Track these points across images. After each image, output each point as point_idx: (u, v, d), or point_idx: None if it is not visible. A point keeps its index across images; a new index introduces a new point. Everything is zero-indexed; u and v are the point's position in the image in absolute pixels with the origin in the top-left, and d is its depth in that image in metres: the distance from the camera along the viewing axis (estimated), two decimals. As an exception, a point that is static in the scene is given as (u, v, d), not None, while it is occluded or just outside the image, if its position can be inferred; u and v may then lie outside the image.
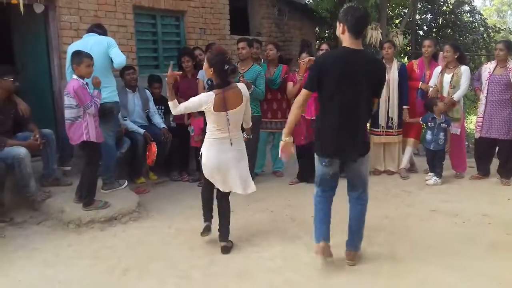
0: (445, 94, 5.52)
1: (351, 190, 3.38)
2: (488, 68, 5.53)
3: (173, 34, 6.93)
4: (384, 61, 5.63)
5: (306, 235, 3.91)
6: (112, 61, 4.58)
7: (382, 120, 5.72)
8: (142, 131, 5.44)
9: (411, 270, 3.27)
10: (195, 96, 5.69)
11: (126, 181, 5.06)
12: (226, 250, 3.62)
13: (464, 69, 5.50)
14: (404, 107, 5.72)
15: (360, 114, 3.17)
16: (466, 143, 6.24)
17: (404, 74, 5.76)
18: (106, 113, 4.60)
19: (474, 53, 12.84)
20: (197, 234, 3.80)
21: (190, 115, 5.57)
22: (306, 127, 5.40)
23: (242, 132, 3.72)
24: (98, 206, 4.35)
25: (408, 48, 12.74)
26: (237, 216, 4.29)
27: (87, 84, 4.24)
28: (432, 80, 5.71)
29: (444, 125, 5.39)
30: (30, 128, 4.69)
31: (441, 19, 13.42)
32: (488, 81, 5.44)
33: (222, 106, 3.37)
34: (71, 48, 4.52)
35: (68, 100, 4.19)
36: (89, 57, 4.21)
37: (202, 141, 3.63)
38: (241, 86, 3.55)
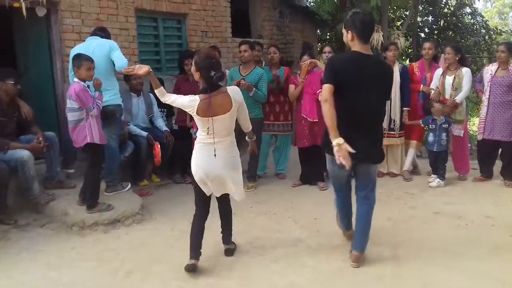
0: (447, 96, 5.53)
1: (359, 189, 3.43)
2: (490, 70, 5.54)
3: (175, 37, 6.95)
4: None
5: (309, 237, 3.91)
6: (114, 64, 4.59)
7: (384, 123, 5.70)
8: (145, 133, 5.45)
9: (414, 272, 3.26)
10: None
11: (129, 184, 5.08)
12: (229, 252, 3.61)
13: (466, 71, 5.50)
14: (405, 109, 5.72)
15: (375, 118, 3.30)
16: (469, 145, 6.23)
17: (406, 76, 5.76)
18: (109, 115, 4.60)
19: (475, 55, 12.85)
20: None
21: (192, 117, 5.56)
22: (309, 130, 5.40)
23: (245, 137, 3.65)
24: (101, 209, 4.36)
25: (409, 50, 12.75)
26: (240, 219, 4.29)
27: (88, 86, 4.25)
28: (433, 82, 5.71)
29: (445, 125, 5.38)
30: (33, 131, 4.70)
31: (442, 21, 13.43)
32: (490, 83, 5.44)
33: (208, 111, 3.17)
34: (73, 51, 4.54)
35: (70, 103, 4.20)
36: (89, 60, 4.21)
37: None
38: (232, 90, 3.32)
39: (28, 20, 4.79)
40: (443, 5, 13.35)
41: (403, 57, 12.46)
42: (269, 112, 5.80)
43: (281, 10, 8.82)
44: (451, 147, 5.45)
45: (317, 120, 5.25)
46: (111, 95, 4.63)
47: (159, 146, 5.31)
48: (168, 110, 6.08)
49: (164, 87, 5.81)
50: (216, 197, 3.53)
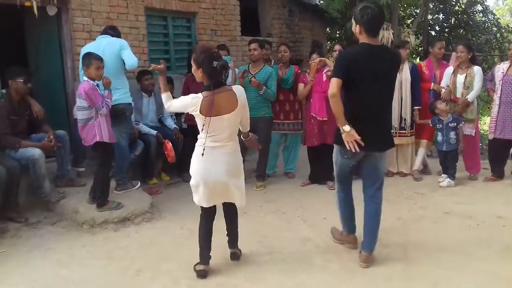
0: (458, 95, 5.48)
1: (368, 186, 3.42)
2: (501, 68, 5.48)
3: (184, 36, 6.97)
4: None
5: (318, 237, 3.90)
6: (124, 63, 4.61)
7: (395, 121, 5.67)
8: (154, 132, 5.47)
9: (424, 273, 3.24)
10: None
11: (139, 182, 5.10)
12: (235, 257, 3.52)
13: (477, 70, 5.46)
14: (415, 107, 5.69)
15: (385, 108, 3.36)
16: (480, 144, 6.18)
17: (416, 75, 5.72)
18: (119, 114, 4.62)
19: (487, 53, 12.72)
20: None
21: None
22: (318, 129, 5.38)
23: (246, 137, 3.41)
24: (111, 207, 4.38)
25: (420, 48, 12.65)
26: (249, 218, 4.30)
27: (98, 85, 4.27)
28: (444, 80, 5.66)
29: (452, 124, 5.33)
30: (44, 129, 4.74)
31: (453, 19, 13.31)
32: (501, 81, 5.39)
33: (210, 110, 2.96)
34: (84, 50, 4.56)
35: (80, 102, 4.22)
36: (99, 59, 4.22)
37: None
38: (238, 89, 3.15)
39: (39, 19, 4.83)
40: (454, 3, 13.22)
41: (413, 55, 12.38)
42: (279, 111, 5.79)
43: (291, 8, 8.80)
44: (461, 146, 5.39)
45: (326, 119, 5.23)
46: (121, 94, 4.65)
47: (169, 143, 5.32)
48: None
49: (173, 86, 5.91)
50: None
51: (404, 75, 5.65)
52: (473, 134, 5.57)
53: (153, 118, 5.73)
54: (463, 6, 13.23)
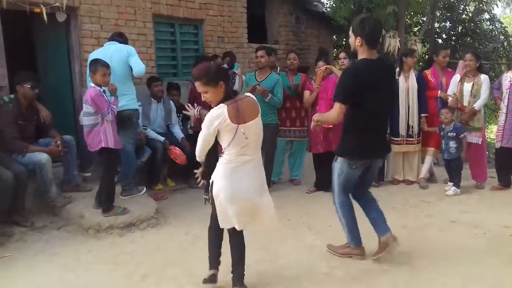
0: (465, 103, 5.47)
1: (366, 190, 3.66)
2: (508, 77, 5.46)
3: (192, 42, 7.01)
4: (404, 69, 5.65)
5: (323, 244, 3.89)
6: (131, 69, 4.65)
7: (402, 129, 5.66)
8: (162, 138, 5.49)
9: (430, 282, 3.23)
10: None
11: (145, 188, 5.11)
12: None
13: (484, 78, 5.45)
14: (422, 115, 5.68)
15: (385, 116, 3.60)
16: (487, 153, 6.15)
17: (422, 82, 5.72)
18: (125, 120, 4.66)
19: (494, 61, 12.68)
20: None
21: (201, 120, 5.56)
22: (324, 136, 5.38)
23: None
24: (117, 212, 4.40)
25: (426, 56, 12.64)
26: (254, 224, 4.29)
27: (104, 91, 4.30)
28: (450, 88, 5.65)
29: (452, 134, 5.31)
30: (51, 134, 4.77)
31: (460, 27, 13.31)
32: (508, 90, 5.37)
33: (238, 117, 2.76)
34: (91, 56, 4.60)
35: (86, 108, 4.26)
36: (105, 66, 4.25)
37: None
38: (252, 95, 3.02)
39: (48, 25, 4.87)
40: (461, 11, 13.23)
41: (420, 63, 12.37)
42: (285, 118, 5.80)
43: (297, 16, 8.83)
44: (463, 156, 5.35)
45: (332, 126, 5.23)
46: (128, 100, 4.68)
47: (176, 148, 5.33)
48: (184, 115, 6.11)
49: (179, 92, 5.93)
50: (228, 228, 3.03)
51: (410, 84, 5.65)
52: (480, 143, 5.54)
53: (161, 123, 5.74)
54: (470, 14, 13.23)
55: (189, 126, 6.15)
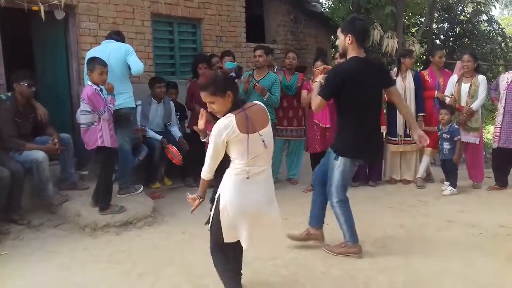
0: (463, 103, 5.49)
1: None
2: (506, 78, 5.48)
3: (190, 42, 7.00)
4: (402, 69, 5.66)
5: (320, 243, 3.88)
6: (129, 68, 4.64)
7: (400, 129, 5.67)
8: (159, 137, 5.49)
9: (427, 281, 3.23)
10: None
11: (142, 186, 5.11)
12: None
13: (482, 79, 5.48)
14: (420, 114, 5.69)
15: (377, 115, 3.65)
16: (484, 153, 6.16)
17: (419, 82, 5.74)
18: (122, 118, 4.65)
19: (491, 62, 12.71)
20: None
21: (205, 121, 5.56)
22: (321, 135, 5.38)
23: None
24: (114, 211, 4.39)
25: (424, 57, 12.66)
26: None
27: (101, 90, 4.29)
28: (448, 89, 5.67)
29: (446, 135, 5.33)
30: (48, 132, 4.76)
31: (458, 28, 13.33)
32: (506, 91, 5.39)
33: (248, 126, 2.55)
34: (89, 54, 4.59)
35: (83, 106, 4.26)
36: (103, 64, 4.25)
37: None
38: (260, 103, 2.79)
39: (46, 23, 4.86)
40: (459, 12, 13.25)
41: (418, 64, 12.39)
42: (283, 117, 5.80)
43: (296, 16, 8.84)
44: (455, 158, 5.34)
45: (329, 126, 5.24)
46: (125, 98, 4.68)
47: (173, 147, 5.33)
48: (181, 114, 6.12)
49: (177, 91, 5.93)
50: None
51: (408, 84, 5.67)
52: (478, 143, 5.56)
53: (160, 123, 5.74)
54: (468, 16, 13.25)
55: (186, 125, 6.15)
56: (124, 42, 4.87)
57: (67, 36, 5.55)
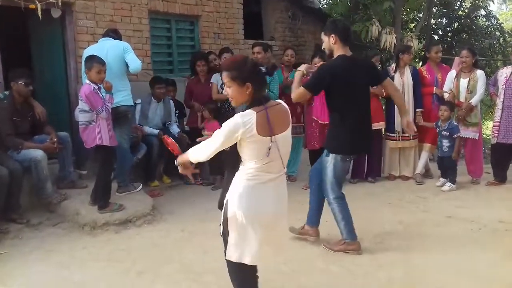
0: (462, 99, 5.48)
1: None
2: (504, 73, 5.48)
3: (188, 39, 6.98)
4: (400, 65, 5.66)
5: (319, 239, 3.89)
6: (127, 65, 4.63)
7: (398, 125, 5.67)
8: (156, 131, 5.50)
9: (426, 277, 3.23)
10: (209, 100, 5.52)
11: (141, 184, 5.10)
12: None
13: (480, 74, 5.48)
14: (418, 110, 5.68)
15: (367, 111, 3.69)
16: (483, 148, 6.16)
17: (417, 78, 5.73)
18: (120, 116, 4.64)
19: (490, 57, 12.70)
20: (210, 237, 3.80)
21: (203, 118, 5.57)
22: (319, 132, 5.38)
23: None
24: (113, 209, 4.39)
25: (422, 52, 12.64)
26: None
27: (99, 88, 4.27)
28: (446, 85, 5.66)
29: (445, 132, 5.32)
30: (47, 131, 4.75)
31: (456, 24, 13.29)
32: (504, 86, 5.38)
33: (268, 128, 2.30)
34: (87, 52, 4.57)
35: (81, 105, 4.24)
36: (101, 62, 4.23)
37: None
38: (283, 102, 2.54)
39: (43, 21, 4.85)
40: (457, 7, 13.21)
41: (416, 59, 12.37)
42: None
43: (294, 12, 8.80)
44: (454, 155, 5.34)
45: (327, 122, 5.22)
46: (124, 96, 4.67)
47: (169, 137, 5.29)
48: (180, 112, 6.11)
49: (176, 88, 5.91)
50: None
51: (406, 80, 5.66)
52: (477, 138, 5.56)
53: (158, 122, 5.73)
54: (466, 11, 13.21)
55: (185, 122, 6.15)
56: (121, 40, 4.86)
57: (65, 34, 5.53)
